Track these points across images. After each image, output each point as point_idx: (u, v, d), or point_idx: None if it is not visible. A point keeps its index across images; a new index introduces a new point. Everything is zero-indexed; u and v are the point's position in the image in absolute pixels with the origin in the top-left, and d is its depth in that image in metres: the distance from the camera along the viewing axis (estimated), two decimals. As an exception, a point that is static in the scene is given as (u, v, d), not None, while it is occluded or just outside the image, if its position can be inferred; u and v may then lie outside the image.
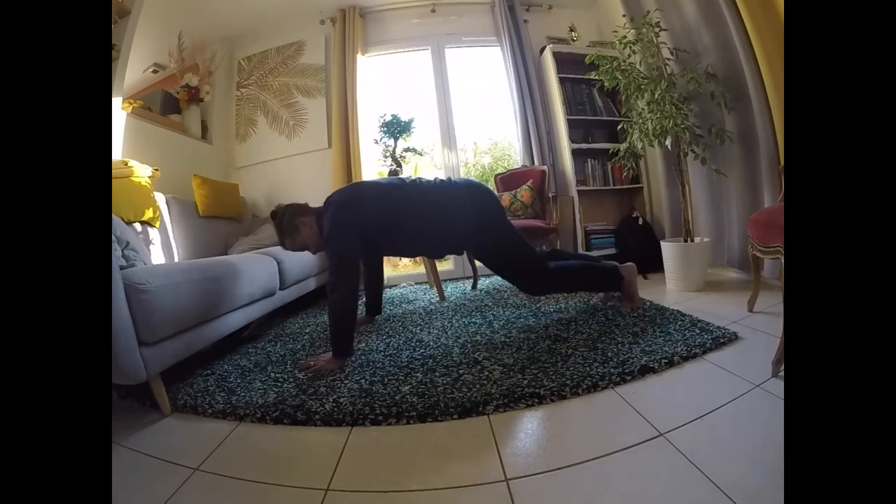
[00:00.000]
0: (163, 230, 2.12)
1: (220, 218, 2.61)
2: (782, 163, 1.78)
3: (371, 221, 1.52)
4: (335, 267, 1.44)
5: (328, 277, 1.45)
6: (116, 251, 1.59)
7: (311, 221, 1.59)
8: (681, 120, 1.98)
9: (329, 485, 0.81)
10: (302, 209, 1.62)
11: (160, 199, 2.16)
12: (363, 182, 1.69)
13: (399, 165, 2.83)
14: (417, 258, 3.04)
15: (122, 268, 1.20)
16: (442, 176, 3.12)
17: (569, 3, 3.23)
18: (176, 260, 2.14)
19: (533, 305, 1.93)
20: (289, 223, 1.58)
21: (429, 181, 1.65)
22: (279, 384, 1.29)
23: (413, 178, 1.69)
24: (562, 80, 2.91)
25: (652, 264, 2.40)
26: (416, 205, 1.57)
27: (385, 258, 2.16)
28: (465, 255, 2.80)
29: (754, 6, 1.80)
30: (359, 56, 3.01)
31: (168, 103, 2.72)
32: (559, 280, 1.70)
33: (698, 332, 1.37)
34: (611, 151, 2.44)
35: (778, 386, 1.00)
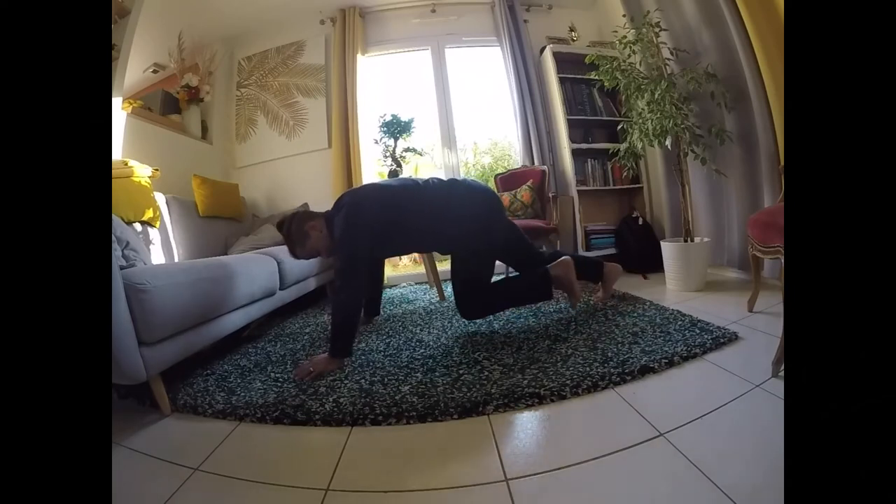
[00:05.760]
0: (163, 230, 2.12)
1: (220, 218, 2.61)
2: (782, 163, 1.78)
3: (381, 222, 1.50)
4: (345, 268, 1.42)
5: (335, 277, 1.44)
6: (116, 251, 1.59)
7: (321, 225, 1.57)
8: (681, 120, 1.98)
9: (329, 485, 0.81)
10: (309, 215, 1.60)
11: (160, 199, 2.16)
12: (373, 183, 1.67)
13: (399, 165, 2.83)
14: (418, 258, 3.03)
15: (122, 268, 1.20)
16: (443, 176, 3.12)
17: (569, 3, 3.23)
18: (176, 260, 2.13)
19: (533, 305, 1.93)
20: (297, 230, 1.56)
21: (439, 181, 1.63)
22: (279, 384, 1.29)
23: (423, 178, 1.68)
24: (562, 80, 2.91)
25: (652, 264, 2.39)
26: (426, 205, 1.55)
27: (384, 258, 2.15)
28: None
29: (754, 6, 1.80)
30: (359, 56, 3.02)
31: (168, 103, 2.72)
32: (492, 303, 1.62)
33: (698, 332, 1.37)
34: (611, 151, 2.44)
35: (778, 386, 1.00)
